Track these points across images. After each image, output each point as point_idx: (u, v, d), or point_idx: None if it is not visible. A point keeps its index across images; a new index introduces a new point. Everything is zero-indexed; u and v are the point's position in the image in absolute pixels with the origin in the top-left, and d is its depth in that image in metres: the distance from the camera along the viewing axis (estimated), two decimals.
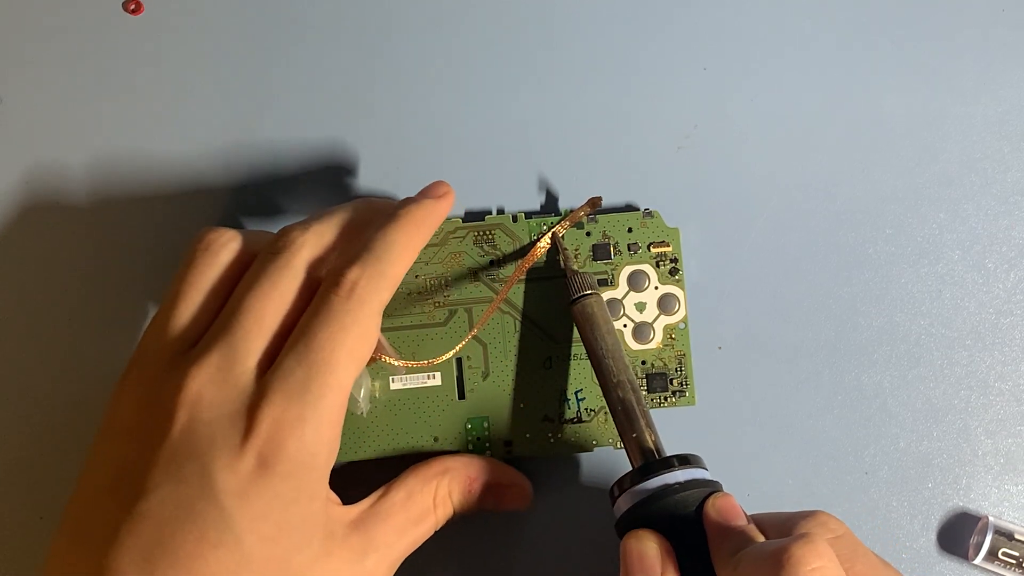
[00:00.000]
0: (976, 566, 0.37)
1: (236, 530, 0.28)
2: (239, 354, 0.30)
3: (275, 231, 0.34)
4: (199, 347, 0.31)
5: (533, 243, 0.37)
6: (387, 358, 0.34)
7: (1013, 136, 0.39)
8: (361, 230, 0.33)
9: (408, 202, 0.33)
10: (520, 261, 0.36)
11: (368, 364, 0.35)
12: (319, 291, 0.31)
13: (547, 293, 0.37)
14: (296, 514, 0.29)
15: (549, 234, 0.37)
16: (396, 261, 0.32)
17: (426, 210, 0.33)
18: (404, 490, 0.34)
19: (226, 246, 0.33)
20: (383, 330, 0.36)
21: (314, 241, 0.32)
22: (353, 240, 0.33)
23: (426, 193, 0.34)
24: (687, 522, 0.30)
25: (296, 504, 0.29)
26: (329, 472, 0.31)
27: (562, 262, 0.36)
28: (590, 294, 0.35)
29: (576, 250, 0.37)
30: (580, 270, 0.36)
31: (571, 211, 0.37)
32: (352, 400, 0.35)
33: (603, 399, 0.35)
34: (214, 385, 0.30)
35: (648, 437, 0.33)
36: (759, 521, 0.31)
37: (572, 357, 0.37)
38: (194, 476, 0.29)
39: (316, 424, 0.29)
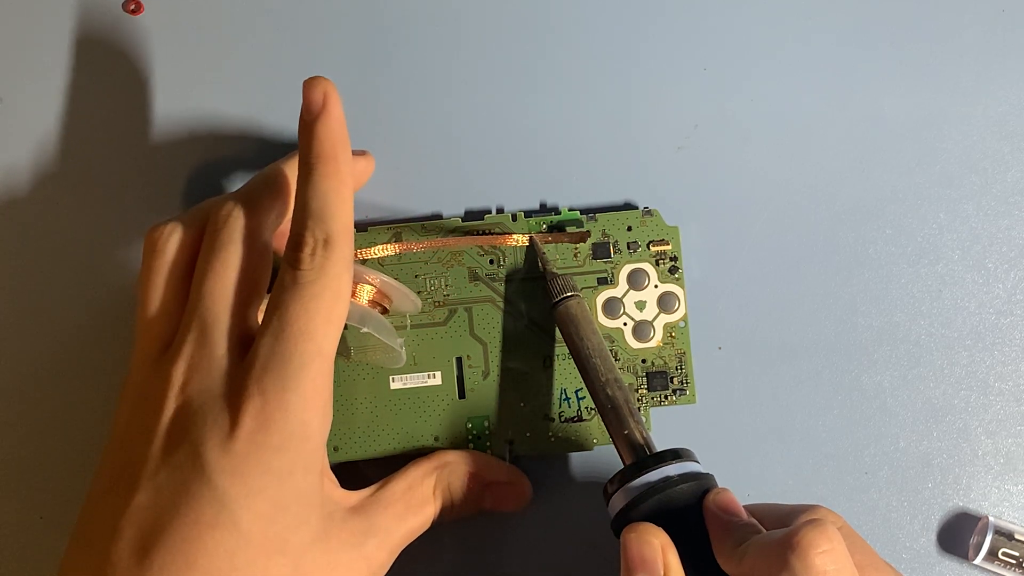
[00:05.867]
0: (976, 566, 0.37)
1: (232, 508, 0.28)
2: (214, 338, 0.30)
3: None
4: (176, 341, 0.31)
5: (509, 233, 0.37)
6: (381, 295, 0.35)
7: (1013, 136, 0.39)
8: (287, 182, 0.33)
9: (309, 136, 0.31)
10: (490, 237, 0.36)
11: (384, 314, 0.35)
12: (281, 268, 0.31)
13: (547, 292, 0.37)
14: (292, 488, 0.29)
15: (527, 236, 0.37)
16: (338, 213, 0.31)
17: (328, 139, 0.31)
18: (405, 481, 0.34)
19: (169, 239, 0.32)
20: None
21: (249, 208, 0.32)
22: (278, 198, 0.33)
23: (309, 110, 0.31)
24: (685, 515, 0.30)
25: (291, 477, 0.29)
26: (324, 443, 0.31)
27: (541, 265, 0.36)
28: (571, 296, 0.35)
29: (576, 249, 0.37)
30: (559, 272, 0.36)
31: (563, 223, 0.37)
32: (392, 354, 0.35)
33: None
34: (198, 373, 0.30)
35: (638, 433, 0.33)
36: (755, 513, 0.31)
37: (571, 356, 0.36)
38: (187, 461, 0.29)
39: (301, 393, 0.29)
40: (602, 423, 0.36)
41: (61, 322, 0.38)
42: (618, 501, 0.31)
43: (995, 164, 0.39)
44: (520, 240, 0.37)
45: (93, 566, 0.29)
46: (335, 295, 0.30)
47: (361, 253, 0.36)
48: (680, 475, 0.31)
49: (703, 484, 0.31)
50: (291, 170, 0.34)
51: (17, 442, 0.38)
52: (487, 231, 0.37)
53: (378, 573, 0.32)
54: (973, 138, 0.39)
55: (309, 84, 0.32)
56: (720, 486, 0.31)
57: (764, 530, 0.29)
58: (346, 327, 0.34)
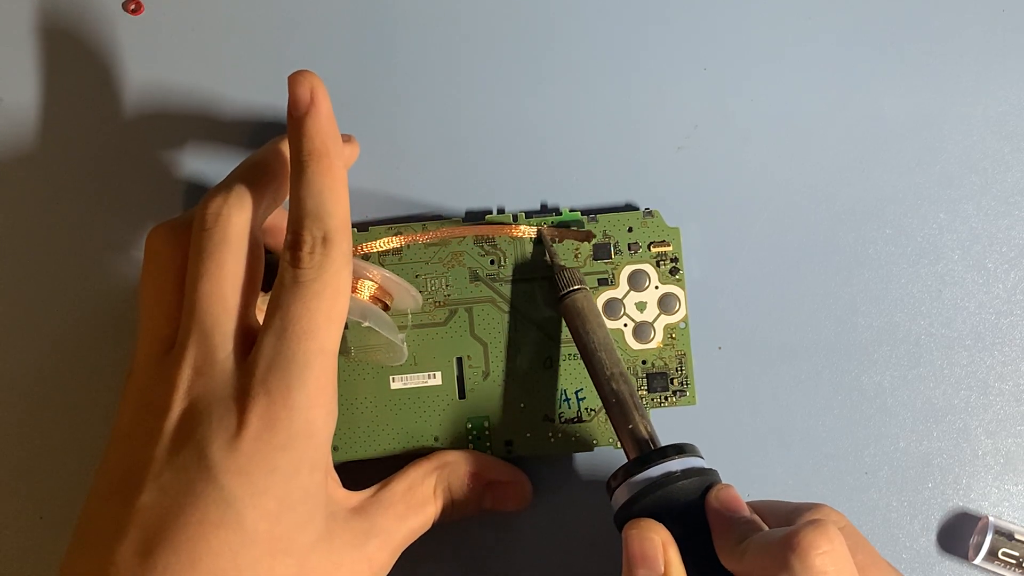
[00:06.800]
0: (976, 566, 0.37)
1: (237, 507, 0.28)
2: (216, 340, 0.30)
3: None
4: (177, 344, 0.31)
5: (515, 224, 0.37)
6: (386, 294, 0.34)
7: (1013, 136, 0.39)
8: (276, 174, 0.33)
9: (299, 134, 0.31)
10: (498, 227, 0.37)
11: (386, 310, 0.35)
12: (280, 267, 0.31)
13: (547, 292, 0.37)
14: (298, 487, 0.29)
15: (535, 229, 0.37)
16: (334, 210, 0.31)
17: (318, 135, 0.31)
18: (405, 482, 0.34)
19: (169, 241, 0.32)
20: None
21: (238, 205, 0.31)
22: (264, 190, 0.32)
23: (297, 106, 0.31)
24: (687, 511, 0.30)
25: (297, 476, 0.29)
26: (329, 441, 0.31)
27: (548, 258, 0.36)
28: (578, 289, 0.35)
29: (577, 249, 0.37)
30: (567, 265, 0.36)
31: (564, 224, 0.37)
32: (393, 350, 0.35)
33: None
34: (202, 376, 0.30)
35: (643, 428, 0.33)
36: (758, 510, 0.31)
37: (572, 357, 0.37)
38: (192, 461, 0.29)
39: (306, 392, 0.29)
40: (602, 423, 0.36)
41: (61, 322, 0.38)
42: (621, 496, 0.31)
43: (995, 164, 0.39)
44: (527, 232, 0.37)
45: (95, 567, 0.29)
46: (336, 292, 0.30)
47: (364, 247, 0.36)
48: (683, 471, 0.31)
49: (706, 480, 0.31)
50: (275, 157, 0.33)
51: (17, 442, 0.38)
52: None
53: (380, 574, 0.32)
54: (973, 138, 0.39)
55: (294, 79, 0.32)
56: (725, 483, 0.31)
57: (766, 528, 0.29)
58: (347, 325, 0.34)
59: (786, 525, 0.29)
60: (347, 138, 0.37)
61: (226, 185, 0.32)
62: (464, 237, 0.37)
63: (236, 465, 0.29)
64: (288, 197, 0.32)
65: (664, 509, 0.30)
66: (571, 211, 0.37)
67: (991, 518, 0.37)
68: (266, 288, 0.33)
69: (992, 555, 0.36)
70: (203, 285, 0.31)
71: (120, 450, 0.31)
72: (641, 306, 0.37)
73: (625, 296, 0.37)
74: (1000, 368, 0.38)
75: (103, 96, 0.38)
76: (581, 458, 0.38)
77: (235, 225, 0.31)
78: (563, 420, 0.37)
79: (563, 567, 0.37)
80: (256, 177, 0.33)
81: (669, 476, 0.31)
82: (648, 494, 0.31)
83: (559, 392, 0.37)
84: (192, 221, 0.32)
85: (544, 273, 0.37)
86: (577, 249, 0.37)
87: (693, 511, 0.30)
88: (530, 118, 0.39)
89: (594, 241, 0.37)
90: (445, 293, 0.37)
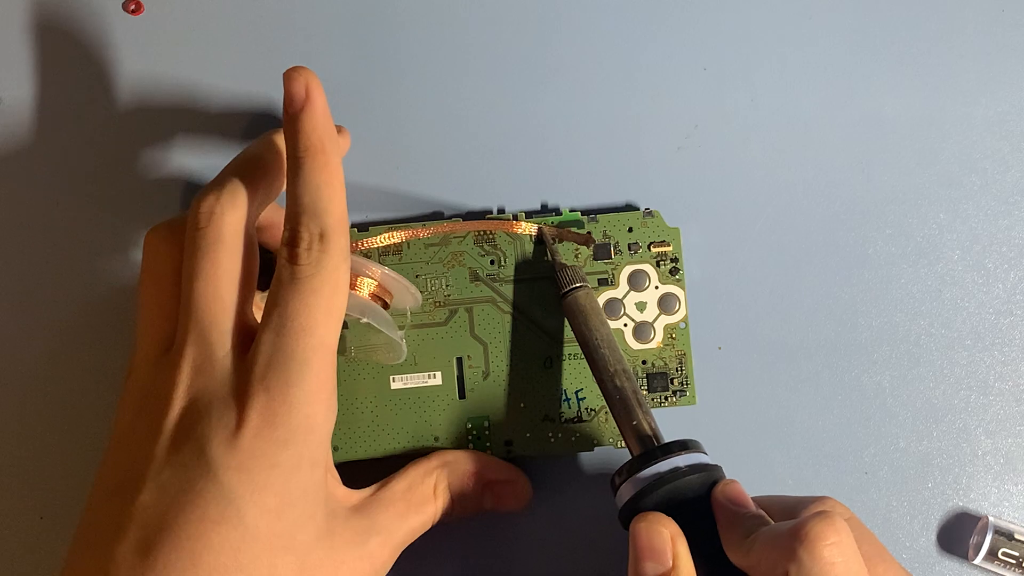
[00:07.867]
0: (976, 566, 0.37)
1: (237, 504, 0.28)
2: (214, 338, 0.30)
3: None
4: (176, 343, 0.31)
5: (516, 221, 0.37)
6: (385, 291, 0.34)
7: (1013, 136, 0.39)
8: (270, 169, 0.33)
9: (295, 130, 0.31)
10: (499, 223, 0.37)
11: (386, 307, 0.35)
12: (278, 263, 0.30)
13: (547, 293, 0.37)
14: (298, 483, 0.29)
15: (535, 227, 0.37)
16: (331, 206, 0.31)
17: (314, 132, 0.31)
18: (406, 480, 0.34)
19: (168, 240, 0.32)
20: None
21: (232, 203, 0.31)
22: (258, 186, 0.32)
23: (293, 102, 0.31)
24: (693, 506, 0.30)
25: (298, 472, 0.29)
26: (329, 437, 0.31)
27: (549, 256, 0.36)
28: (580, 286, 0.35)
29: (577, 250, 0.37)
30: (568, 263, 0.36)
31: (566, 224, 0.37)
32: (393, 348, 0.35)
33: (602, 396, 0.35)
34: (202, 374, 0.30)
35: (647, 424, 0.33)
36: (763, 505, 0.31)
37: (572, 357, 0.37)
38: (192, 459, 0.29)
39: (306, 388, 0.29)
40: (603, 423, 0.36)
41: (61, 322, 0.38)
42: (626, 491, 0.31)
43: (995, 164, 0.39)
44: (528, 228, 0.37)
45: (96, 566, 0.29)
46: (334, 288, 0.30)
47: (365, 243, 0.36)
48: (689, 466, 0.31)
49: (712, 475, 0.31)
50: (268, 151, 0.33)
51: (17, 442, 0.38)
52: (492, 230, 0.37)
53: (380, 572, 0.32)
54: (973, 138, 0.39)
55: (290, 76, 0.32)
56: (730, 478, 0.31)
57: (772, 521, 0.29)
58: (346, 325, 0.34)
59: (791, 518, 0.29)
60: (338, 128, 0.37)
61: (219, 182, 0.32)
62: (464, 237, 0.37)
63: (236, 462, 0.29)
64: (283, 192, 0.32)
65: (670, 504, 0.31)
66: (571, 211, 0.37)
67: (991, 518, 0.37)
68: (263, 286, 0.33)
69: (992, 555, 0.36)
70: (199, 284, 0.31)
71: (120, 449, 0.31)
72: (641, 306, 0.37)
73: (625, 296, 0.37)
74: (1000, 368, 0.38)
75: (103, 96, 0.39)
76: (581, 458, 0.38)
77: (229, 223, 0.31)
78: (563, 420, 0.37)
79: (563, 567, 0.37)
80: (249, 172, 0.32)
81: (675, 471, 0.31)
82: (654, 489, 0.31)
83: (559, 392, 0.37)
84: (178, 220, 0.32)
85: (545, 273, 0.37)
86: (577, 249, 0.37)
87: (699, 506, 0.31)
88: (530, 118, 0.39)
89: (595, 241, 0.37)
90: (445, 293, 0.37)
